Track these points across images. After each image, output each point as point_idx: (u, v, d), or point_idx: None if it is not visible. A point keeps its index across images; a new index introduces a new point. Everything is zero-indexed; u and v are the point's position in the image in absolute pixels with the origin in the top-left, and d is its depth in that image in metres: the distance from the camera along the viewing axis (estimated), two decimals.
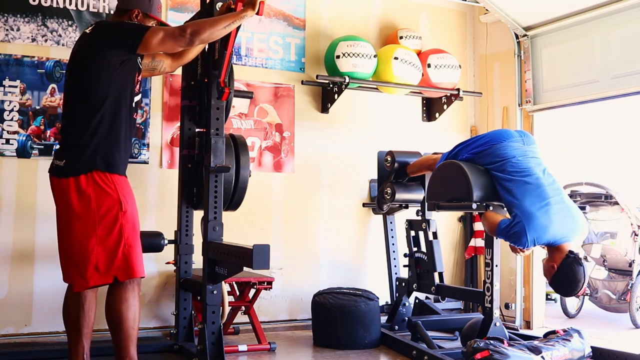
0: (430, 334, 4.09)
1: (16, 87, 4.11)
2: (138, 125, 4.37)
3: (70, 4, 4.26)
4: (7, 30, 4.10)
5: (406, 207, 4.60)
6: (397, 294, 4.59)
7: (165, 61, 3.34)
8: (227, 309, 3.88)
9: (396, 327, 4.45)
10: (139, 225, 2.92)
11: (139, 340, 2.90)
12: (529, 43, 5.00)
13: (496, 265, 3.78)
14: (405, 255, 4.52)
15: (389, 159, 4.47)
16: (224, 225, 3.31)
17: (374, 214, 5.06)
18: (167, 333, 4.31)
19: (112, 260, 2.77)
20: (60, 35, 4.23)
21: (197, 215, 3.80)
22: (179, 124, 4.20)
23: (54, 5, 4.22)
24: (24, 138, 4.11)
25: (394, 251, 4.84)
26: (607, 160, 7.74)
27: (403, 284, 4.53)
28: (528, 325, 4.91)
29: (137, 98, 3.04)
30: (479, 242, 5.07)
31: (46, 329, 4.05)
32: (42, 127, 4.16)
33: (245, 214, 4.32)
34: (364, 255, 5.11)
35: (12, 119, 4.09)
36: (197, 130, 3.80)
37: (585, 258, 5.85)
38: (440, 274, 4.30)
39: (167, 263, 4.17)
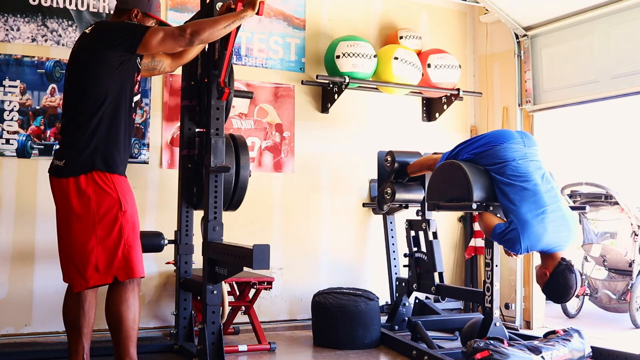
0: (430, 334, 4.09)
1: (16, 87, 4.11)
2: (138, 125, 4.37)
3: (70, 4, 4.26)
4: (7, 30, 4.10)
5: (406, 207, 4.60)
6: (397, 294, 4.59)
7: (165, 61, 3.34)
8: (227, 309, 3.88)
9: (396, 327, 4.45)
10: (138, 225, 2.92)
11: (139, 340, 2.90)
12: (529, 43, 5.00)
13: (496, 265, 3.78)
14: (405, 255, 4.52)
15: (389, 159, 4.47)
16: (224, 225, 3.31)
17: (374, 214, 5.06)
18: (167, 333, 4.31)
19: (112, 260, 2.77)
20: (60, 35, 4.23)
21: (197, 215, 3.80)
22: (179, 124, 4.20)
23: (54, 5, 4.22)
24: (24, 138, 4.11)
25: (394, 251, 4.84)
26: (607, 160, 7.74)
27: (403, 284, 4.53)
28: (528, 325, 4.91)
29: (136, 98, 3.04)
30: (479, 242, 5.07)
31: (46, 329, 4.05)
32: (42, 127, 4.16)
33: (245, 214, 4.32)
34: (364, 255, 5.11)
35: (12, 119, 4.09)
36: (197, 130, 3.80)
37: (586, 258, 5.86)
38: (440, 274, 4.30)
39: (167, 263, 4.17)
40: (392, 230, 4.87)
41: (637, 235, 5.37)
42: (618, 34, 4.35)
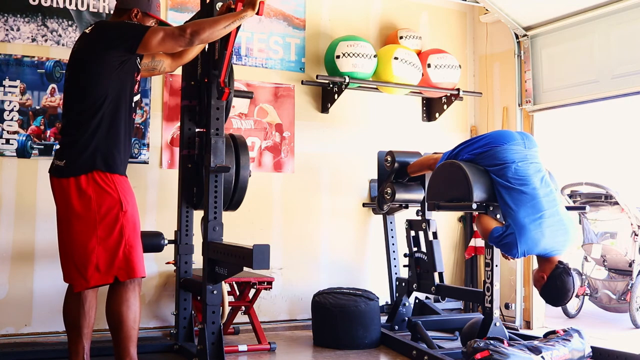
0: (430, 334, 4.09)
1: (16, 87, 4.11)
2: (138, 125, 4.37)
3: (70, 4, 4.26)
4: (7, 30, 4.10)
5: (406, 207, 4.60)
6: (397, 294, 4.59)
7: (165, 61, 3.34)
8: (227, 309, 3.88)
9: (396, 327, 4.45)
10: (139, 225, 2.92)
11: (138, 340, 2.89)
12: (529, 43, 5.00)
13: (496, 265, 3.78)
14: (405, 255, 4.52)
15: (389, 159, 4.47)
16: (224, 225, 3.31)
17: (374, 214, 5.06)
18: (167, 333, 4.31)
19: (113, 260, 2.77)
20: (60, 35, 4.23)
21: (197, 215, 3.80)
22: (179, 124, 4.20)
23: (54, 5, 4.22)
24: (24, 138, 4.11)
25: (394, 251, 4.84)
26: (607, 160, 7.73)
27: (403, 284, 4.53)
28: (528, 325, 4.92)
29: (136, 98, 3.04)
30: (479, 242, 5.07)
31: (46, 329, 4.05)
32: (42, 127, 4.16)
33: (245, 214, 4.32)
34: (364, 255, 5.11)
35: (12, 119, 4.09)
36: (197, 130, 3.80)
37: (585, 258, 5.86)
38: (440, 274, 4.30)
39: (167, 263, 4.17)
40: (392, 230, 4.87)
41: (637, 235, 5.37)
42: (618, 34, 4.35)
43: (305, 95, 4.97)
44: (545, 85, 4.92)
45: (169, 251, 3.94)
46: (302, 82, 4.87)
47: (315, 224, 4.94)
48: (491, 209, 3.57)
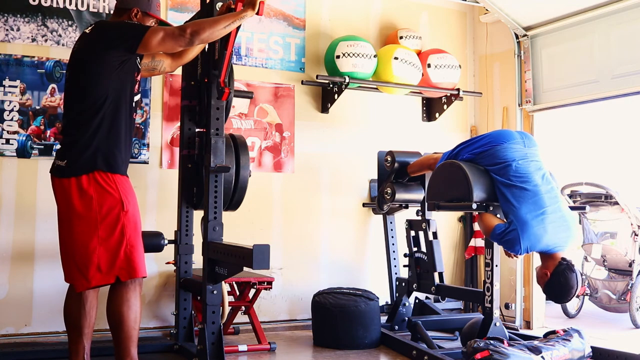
0: (430, 334, 4.09)
1: (16, 87, 4.11)
2: (138, 125, 4.37)
3: (70, 4, 4.26)
4: (7, 30, 4.10)
5: (406, 207, 4.60)
6: (397, 294, 4.59)
7: (165, 61, 3.34)
8: (227, 309, 3.88)
9: (396, 327, 4.45)
10: (140, 225, 2.92)
11: (139, 340, 2.89)
12: (529, 43, 5.00)
13: (496, 265, 3.78)
14: (405, 255, 4.52)
15: (389, 159, 4.47)
16: (224, 225, 3.31)
17: (374, 214, 5.06)
18: (167, 333, 4.31)
19: (114, 260, 2.77)
20: (60, 35, 4.23)
21: (197, 215, 3.80)
22: (179, 124, 4.20)
23: (54, 5, 4.22)
24: (24, 138, 4.11)
25: (394, 251, 4.84)
26: (607, 160, 7.73)
27: (403, 284, 4.53)
28: (528, 325, 4.91)
29: (136, 98, 3.04)
30: (479, 242, 5.07)
31: (46, 329, 4.05)
32: (42, 127, 4.16)
33: (245, 214, 4.32)
34: (364, 255, 5.11)
35: (12, 119, 4.09)
36: (197, 130, 3.80)
37: (586, 258, 5.86)
38: (440, 274, 4.30)
39: (167, 263, 4.17)
40: (392, 230, 4.87)
41: (637, 235, 5.37)
42: (618, 34, 4.35)
43: (305, 95, 4.97)
44: (545, 85, 4.92)
45: (169, 251, 3.94)
46: (302, 82, 4.87)
47: (315, 224, 4.93)
48: (491, 208, 3.57)
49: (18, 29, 4.13)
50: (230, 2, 3.14)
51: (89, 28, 3.00)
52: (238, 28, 3.08)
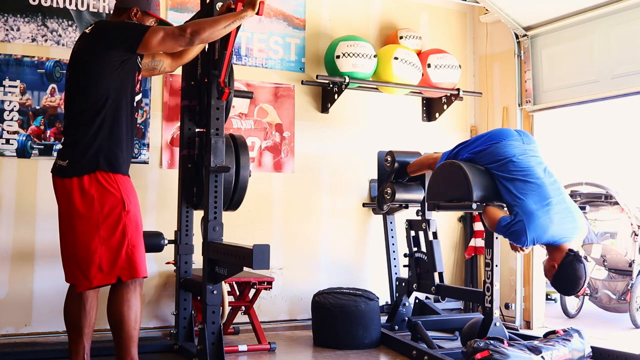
0: (430, 334, 4.09)
1: (16, 87, 4.11)
2: (138, 125, 4.37)
3: (70, 4, 4.26)
4: (7, 30, 4.10)
5: (406, 207, 4.60)
6: (397, 294, 4.59)
7: (165, 61, 3.34)
8: (227, 309, 3.88)
9: (396, 327, 4.45)
10: (142, 225, 2.92)
11: (139, 340, 2.89)
12: (529, 43, 5.00)
13: (496, 265, 3.78)
14: (405, 255, 4.52)
15: (389, 159, 4.47)
16: (224, 225, 3.31)
17: (374, 214, 5.06)
18: (167, 333, 4.31)
19: (116, 260, 2.77)
20: (60, 35, 4.23)
21: (197, 215, 3.80)
22: (179, 124, 4.20)
23: (54, 5, 4.22)
24: (24, 138, 4.11)
25: (394, 251, 4.84)
26: (607, 160, 7.74)
27: (403, 284, 4.53)
28: (528, 325, 4.91)
29: (137, 97, 3.04)
30: (479, 242, 5.07)
31: (46, 329, 4.05)
32: (42, 127, 4.16)
33: (245, 214, 4.32)
34: (364, 255, 5.11)
35: (12, 119, 4.09)
36: (197, 130, 3.80)
37: (586, 258, 5.86)
38: (440, 274, 4.30)
39: (167, 263, 4.17)
40: (392, 230, 4.87)
41: (637, 235, 5.38)
42: (618, 34, 4.35)
43: (305, 95, 4.97)
44: (545, 85, 4.92)
45: (169, 251, 3.94)
46: (302, 82, 4.87)
47: (315, 224, 4.93)
48: None
49: (18, 29, 4.13)
50: (230, 2, 3.14)
51: (89, 28, 3.00)
52: (238, 28, 3.08)
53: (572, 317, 5.59)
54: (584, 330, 3.68)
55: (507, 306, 4.98)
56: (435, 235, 4.35)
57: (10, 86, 4.10)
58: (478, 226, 5.07)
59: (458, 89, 5.16)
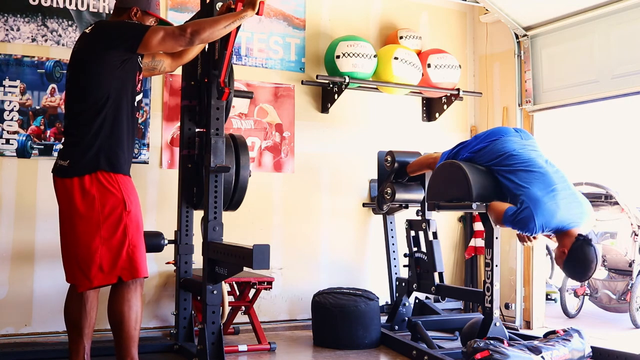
0: (430, 334, 4.08)
1: (16, 87, 4.11)
2: (138, 125, 4.36)
3: (70, 4, 4.26)
4: (7, 30, 4.10)
5: (406, 207, 4.60)
6: (397, 294, 4.59)
7: (165, 61, 3.34)
8: (227, 309, 3.88)
9: (396, 327, 4.45)
10: (142, 225, 2.92)
11: (139, 340, 2.89)
12: (529, 43, 5.00)
13: (496, 265, 3.78)
14: (405, 255, 4.52)
15: (389, 158, 4.48)
16: (224, 225, 3.31)
17: (374, 214, 5.06)
18: (167, 333, 4.31)
19: (116, 260, 2.77)
20: (60, 35, 4.23)
21: (197, 215, 3.80)
22: (179, 124, 4.20)
23: (54, 5, 4.22)
24: (24, 138, 4.11)
25: (394, 251, 4.84)
26: (607, 160, 7.74)
27: (403, 284, 4.53)
28: (528, 325, 4.91)
29: (138, 97, 3.04)
30: (479, 242, 5.07)
31: (46, 329, 4.05)
32: (42, 127, 4.16)
33: (245, 214, 4.32)
34: (364, 255, 5.11)
35: (12, 119, 4.09)
36: (197, 130, 3.80)
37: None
38: (440, 274, 4.30)
39: (167, 263, 4.17)
40: (392, 230, 4.87)
41: (637, 235, 5.38)
42: (618, 34, 4.35)
43: (305, 95, 4.97)
44: (545, 85, 4.92)
45: (169, 251, 3.94)
46: (302, 82, 4.87)
47: (315, 224, 4.93)
48: None
49: (18, 29, 4.13)
50: (230, 2, 3.14)
51: (89, 28, 3.00)
52: (238, 28, 3.08)
53: (572, 317, 5.59)
54: (584, 330, 3.68)
55: (507, 306, 4.98)
56: (435, 235, 4.35)
57: (10, 86, 4.10)
58: (478, 226, 5.07)
59: (458, 89, 5.16)
